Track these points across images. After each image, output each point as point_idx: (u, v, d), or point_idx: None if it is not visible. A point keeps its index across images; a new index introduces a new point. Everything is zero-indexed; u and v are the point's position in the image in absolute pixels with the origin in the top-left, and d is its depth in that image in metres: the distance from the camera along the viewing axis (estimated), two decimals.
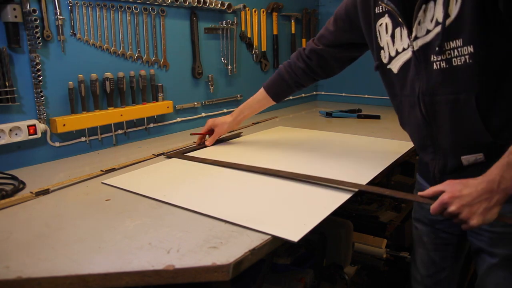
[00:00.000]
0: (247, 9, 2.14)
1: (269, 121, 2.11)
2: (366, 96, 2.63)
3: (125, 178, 1.19)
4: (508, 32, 0.86)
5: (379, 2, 1.05)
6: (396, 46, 1.04)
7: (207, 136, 1.58)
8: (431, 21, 0.93)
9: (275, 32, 2.40)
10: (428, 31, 0.94)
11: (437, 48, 0.92)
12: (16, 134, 1.29)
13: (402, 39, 1.01)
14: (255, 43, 2.25)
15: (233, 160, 1.34)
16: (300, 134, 1.76)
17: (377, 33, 1.10)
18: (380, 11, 1.06)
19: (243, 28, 2.16)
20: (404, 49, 1.01)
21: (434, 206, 0.88)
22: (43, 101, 1.35)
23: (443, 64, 0.93)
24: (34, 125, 1.31)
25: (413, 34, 0.97)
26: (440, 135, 0.99)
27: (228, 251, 0.76)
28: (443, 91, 0.95)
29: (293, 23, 2.53)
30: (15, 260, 0.74)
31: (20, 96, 1.31)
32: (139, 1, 1.61)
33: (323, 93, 2.87)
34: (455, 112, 0.94)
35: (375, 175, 1.20)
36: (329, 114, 2.19)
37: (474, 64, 0.88)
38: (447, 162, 1.01)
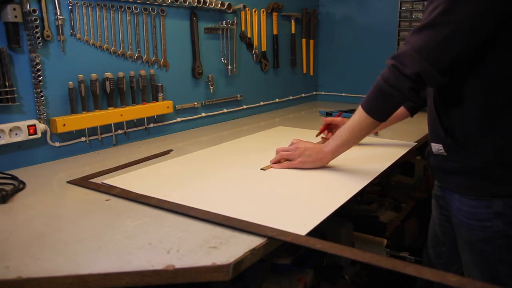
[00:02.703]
0: (247, 9, 2.14)
1: (269, 121, 2.12)
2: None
3: (125, 178, 1.19)
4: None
5: None
6: None
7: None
8: None
9: (275, 32, 2.40)
10: None
11: None
12: (16, 134, 1.29)
13: None
14: (255, 43, 2.25)
15: (226, 161, 1.34)
16: (300, 134, 1.76)
17: None
18: None
19: (243, 28, 2.16)
20: None
21: (278, 148, 1.29)
22: (43, 101, 1.35)
23: None
24: (34, 125, 1.31)
25: None
26: (427, 121, 1.15)
27: (228, 251, 0.76)
28: None
29: (293, 23, 2.53)
30: (15, 260, 0.74)
31: (20, 96, 1.31)
32: (139, 1, 1.61)
33: (323, 93, 2.87)
34: (429, 103, 1.11)
35: (375, 175, 1.20)
36: (329, 114, 2.19)
37: None
38: (430, 144, 1.15)
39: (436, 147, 1.10)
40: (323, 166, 1.25)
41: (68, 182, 1.18)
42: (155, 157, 1.42)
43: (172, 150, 1.52)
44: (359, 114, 1.13)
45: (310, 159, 1.22)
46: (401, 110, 1.45)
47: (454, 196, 1.10)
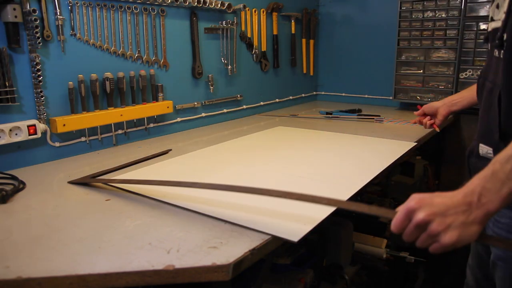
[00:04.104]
0: (247, 9, 2.14)
1: (269, 121, 2.12)
2: (366, 96, 2.63)
3: (125, 178, 1.19)
4: None
5: None
6: (494, 14, 0.98)
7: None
8: (503, 9, 0.90)
9: (275, 32, 2.40)
10: (498, 18, 0.93)
11: (497, 36, 0.90)
12: (16, 134, 1.29)
13: (499, 15, 0.96)
14: (255, 43, 2.25)
15: (232, 162, 1.34)
16: (300, 134, 1.76)
17: None
18: None
19: (243, 28, 2.16)
20: (492, 20, 0.99)
21: (397, 216, 0.70)
22: (43, 101, 1.35)
23: (497, 53, 0.92)
24: (34, 125, 1.31)
25: (489, 16, 0.98)
26: (479, 118, 1.01)
27: (228, 251, 0.76)
28: (489, 78, 0.96)
29: (293, 23, 2.53)
30: (15, 260, 0.74)
31: (20, 96, 1.31)
32: (139, 1, 1.61)
33: (323, 93, 2.87)
34: (488, 100, 0.95)
35: (375, 175, 1.20)
36: (329, 114, 2.19)
37: (506, 59, 0.86)
38: (477, 144, 1.00)
39: (484, 149, 0.96)
40: (322, 166, 1.25)
41: (69, 182, 1.18)
42: (154, 157, 1.42)
43: (171, 149, 1.52)
44: None
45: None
46: None
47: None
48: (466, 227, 0.66)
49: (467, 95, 1.47)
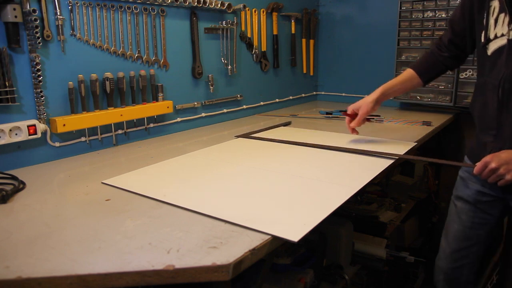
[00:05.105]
0: (247, 9, 2.14)
1: (269, 121, 2.11)
2: (366, 96, 2.62)
3: (125, 178, 1.19)
4: None
5: None
6: (496, 30, 1.13)
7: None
8: None
9: (275, 32, 2.40)
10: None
11: None
12: (16, 134, 1.29)
13: (503, 25, 1.10)
14: (255, 43, 2.25)
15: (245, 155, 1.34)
16: (300, 134, 1.76)
17: (485, 14, 1.17)
18: None
19: (243, 28, 2.16)
20: (502, 35, 1.11)
21: (478, 165, 1.09)
22: (43, 101, 1.35)
23: None
24: (34, 125, 1.31)
25: (492, 30, 1.07)
26: (507, 120, 1.09)
27: (228, 251, 0.76)
28: None
29: (293, 23, 2.53)
30: (15, 260, 0.74)
31: (20, 96, 1.31)
32: (139, 1, 1.61)
33: (323, 93, 2.87)
34: None
35: (375, 175, 1.20)
36: (329, 114, 2.19)
37: None
38: (504, 146, 1.12)
39: None
40: (323, 166, 1.25)
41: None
42: (278, 127, 1.81)
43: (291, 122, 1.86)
44: None
45: None
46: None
47: None
48: None
49: (401, 88, 1.54)
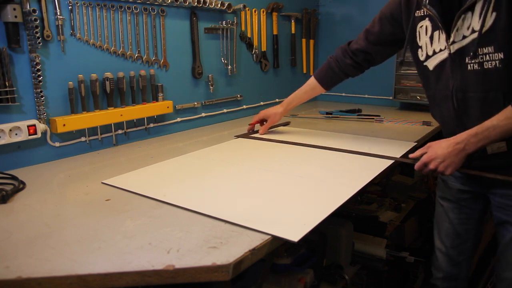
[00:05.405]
0: (247, 9, 2.14)
1: None
2: (366, 96, 2.63)
3: (125, 178, 1.19)
4: None
5: (422, 6, 1.20)
6: (433, 46, 1.20)
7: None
8: (468, 28, 1.10)
9: (275, 32, 2.40)
10: (464, 37, 1.11)
11: (471, 53, 1.09)
12: (16, 134, 1.29)
13: (440, 42, 1.17)
14: (255, 43, 2.25)
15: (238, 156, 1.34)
16: (300, 134, 1.76)
17: (417, 34, 1.25)
18: (421, 14, 1.22)
19: (243, 28, 2.16)
20: (441, 50, 1.18)
21: (417, 164, 1.17)
22: (43, 101, 1.35)
23: (476, 66, 1.10)
24: (34, 125, 1.31)
25: (451, 39, 1.13)
26: (469, 126, 1.12)
27: (228, 251, 0.76)
28: (475, 89, 1.12)
29: (293, 23, 2.53)
30: (15, 260, 0.74)
31: (20, 96, 1.31)
32: (139, 1, 1.61)
33: (323, 93, 2.87)
34: (484, 107, 1.11)
35: (374, 175, 1.20)
36: (329, 114, 2.19)
37: (503, 68, 1.05)
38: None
39: (494, 146, 1.13)
40: (323, 166, 1.25)
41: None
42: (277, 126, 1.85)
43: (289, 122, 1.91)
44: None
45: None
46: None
47: (508, 192, 1.18)
48: (456, 164, 1.11)
49: (305, 97, 1.71)
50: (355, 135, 1.72)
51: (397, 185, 2.30)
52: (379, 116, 2.07)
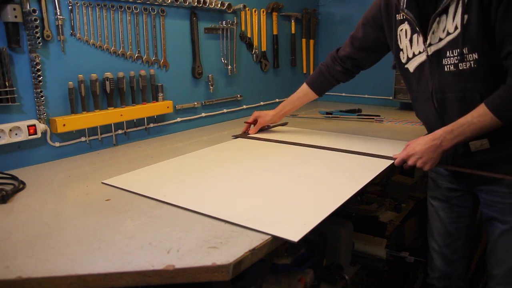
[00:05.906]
0: (247, 9, 2.14)
1: None
2: (366, 96, 2.63)
3: (125, 178, 1.19)
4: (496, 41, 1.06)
5: (400, 10, 1.22)
6: (413, 49, 1.23)
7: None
8: (443, 31, 1.13)
9: (275, 32, 2.40)
10: (440, 39, 1.14)
11: (447, 54, 1.12)
12: (16, 134, 1.29)
13: (418, 44, 1.20)
14: (255, 43, 2.25)
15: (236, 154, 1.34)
16: (300, 134, 1.76)
17: (398, 37, 1.28)
18: (401, 18, 1.25)
19: (243, 28, 2.16)
20: (420, 52, 1.21)
21: (396, 161, 1.24)
22: (43, 101, 1.35)
23: (452, 68, 1.13)
24: (34, 125, 1.31)
25: (428, 41, 1.16)
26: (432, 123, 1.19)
27: (228, 251, 0.76)
28: (453, 89, 1.15)
29: (293, 23, 2.53)
30: (15, 260, 0.74)
31: (20, 96, 1.31)
32: (139, 1, 1.61)
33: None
34: (463, 106, 1.14)
35: (374, 175, 1.20)
36: (329, 114, 2.19)
37: (478, 68, 1.08)
38: (458, 148, 1.19)
39: (477, 144, 1.16)
40: (322, 166, 1.25)
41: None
42: (275, 127, 1.85)
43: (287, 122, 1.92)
44: (485, 116, 1.09)
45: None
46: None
47: (493, 188, 1.20)
48: (434, 159, 1.15)
49: (298, 103, 1.72)
50: (355, 135, 1.72)
51: (397, 185, 2.30)
52: (379, 116, 2.07)
